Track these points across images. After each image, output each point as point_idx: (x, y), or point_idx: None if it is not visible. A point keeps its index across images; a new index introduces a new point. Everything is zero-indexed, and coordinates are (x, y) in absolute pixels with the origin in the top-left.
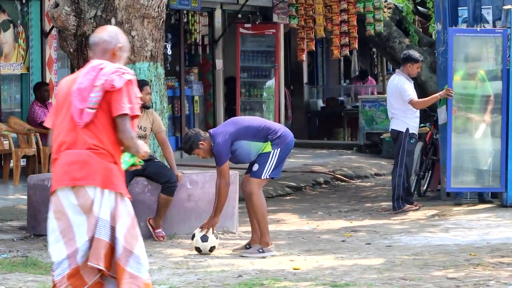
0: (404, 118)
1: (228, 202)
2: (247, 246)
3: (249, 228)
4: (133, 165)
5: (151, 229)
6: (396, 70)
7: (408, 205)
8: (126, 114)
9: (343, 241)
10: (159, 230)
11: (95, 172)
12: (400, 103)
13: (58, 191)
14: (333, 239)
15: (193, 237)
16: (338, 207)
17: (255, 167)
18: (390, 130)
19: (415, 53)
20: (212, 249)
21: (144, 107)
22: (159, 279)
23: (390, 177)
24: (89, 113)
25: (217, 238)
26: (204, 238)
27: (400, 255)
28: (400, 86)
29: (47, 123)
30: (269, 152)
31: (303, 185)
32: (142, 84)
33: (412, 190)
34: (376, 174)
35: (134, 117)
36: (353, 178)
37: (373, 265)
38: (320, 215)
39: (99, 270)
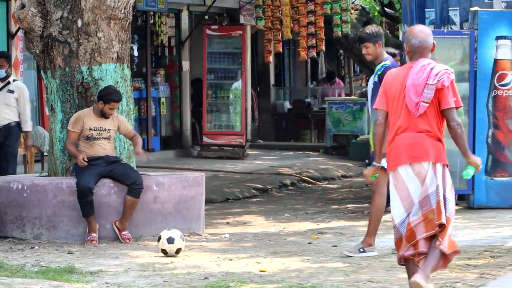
0: None
1: (194, 204)
2: (361, 250)
3: (215, 230)
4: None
5: (117, 231)
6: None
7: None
8: (452, 108)
9: (309, 243)
10: (125, 232)
11: (429, 150)
12: None
13: (399, 168)
14: (300, 241)
15: (159, 239)
16: (304, 209)
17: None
18: None
19: (390, 49)
20: (178, 251)
21: (104, 116)
22: (125, 282)
23: (357, 179)
24: (423, 106)
25: (183, 240)
26: (170, 240)
27: (366, 258)
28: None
29: (377, 104)
30: None
31: (269, 187)
32: (111, 99)
33: None
34: (343, 176)
35: (457, 107)
36: (319, 180)
37: (339, 267)
38: (286, 217)
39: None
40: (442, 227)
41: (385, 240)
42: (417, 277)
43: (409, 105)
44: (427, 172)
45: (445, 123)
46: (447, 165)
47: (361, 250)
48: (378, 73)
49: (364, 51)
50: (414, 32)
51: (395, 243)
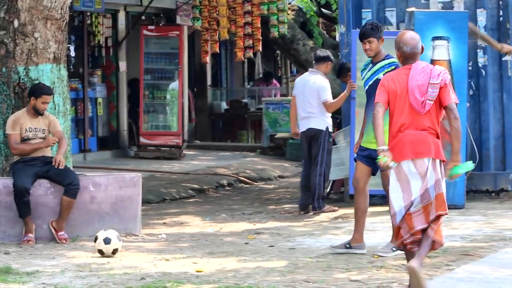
0: (323, 117)
1: (131, 205)
2: (347, 246)
3: (152, 231)
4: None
5: (53, 232)
6: (310, 69)
7: (328, 206)
8: (453, 103)
9: (246, 243)
10: (62, 232)
11: (431, 147)
12: (319, 101)
13: (402, 163)
14: (236, 241)
15: (96, 239)
16: (241, 210)
17: None
18: (306, 129)
19: (323, 52)
20: (115, 251)
21: (37, 113)
22: (61, 282)
23: (293, 179)
24: (429, 103)
25: (120, 241)
26: (107, 241)
27: (303, 258)
28: (320, 85)
29: (379, 99)
30: None
31: (206, 188)
32: (42, 92)
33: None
34: (280, 176)
35: (456, 103)
36: (256, 180)
37: (276, 267)
38: (223, 218)
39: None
40: (438, 217)
41: (321, 241)
42: (413, 263)
43: (415, 104)
44: (427, 167)
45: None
46: (443, 161)
47: (394, 249)
48: (387, 70)
49: (367, 47)
50: (406, 40)
51: (394, 229)
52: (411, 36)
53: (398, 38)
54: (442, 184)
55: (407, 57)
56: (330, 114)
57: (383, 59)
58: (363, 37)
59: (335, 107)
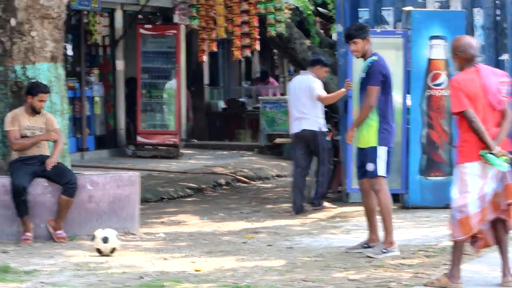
0: (316, 118)
1: (129, 204)
2: (365, 245)
3: (150, 230)
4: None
5: (51, 231)
6: (302, 71)
7: (327, 203)
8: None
9: (244, 242)
10: (60, 231)
11: (510, 141)
12: (311, 102)
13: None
14: (234, 240)
15: (94, 238)
16: (239, 209)
17: (370, 167)
18: (301, 130)
19: (324, 58)
20: (113, 250)
21: (34, 111)
22: (59, 281)
23: (291, 178)
24: (504, 100)
25: (118, 240)
26: (105, 240)
27: (301, 257)
28: (310, 83)
29: (467, 105)
30: (375, 148)
31: (204, 187)
32: (38, 90)
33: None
34: (277, 176)
35: None
36: (254, 179)
37: (274, 266)
38: (221, 217)
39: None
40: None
41: (319, 240)
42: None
43: (494, 101)
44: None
45: None
46: None
47: (384, 250)
48: (366, 69)
49: (353, 48)
50: (471, 43)
51: (461, 222)
52: (472, 39)
53: (462, 42)
54: (509, 175)
55: (472, 59)
56: (323, 115)
57: (367, 58)
58: (348, 38)
59: (330, 100)
